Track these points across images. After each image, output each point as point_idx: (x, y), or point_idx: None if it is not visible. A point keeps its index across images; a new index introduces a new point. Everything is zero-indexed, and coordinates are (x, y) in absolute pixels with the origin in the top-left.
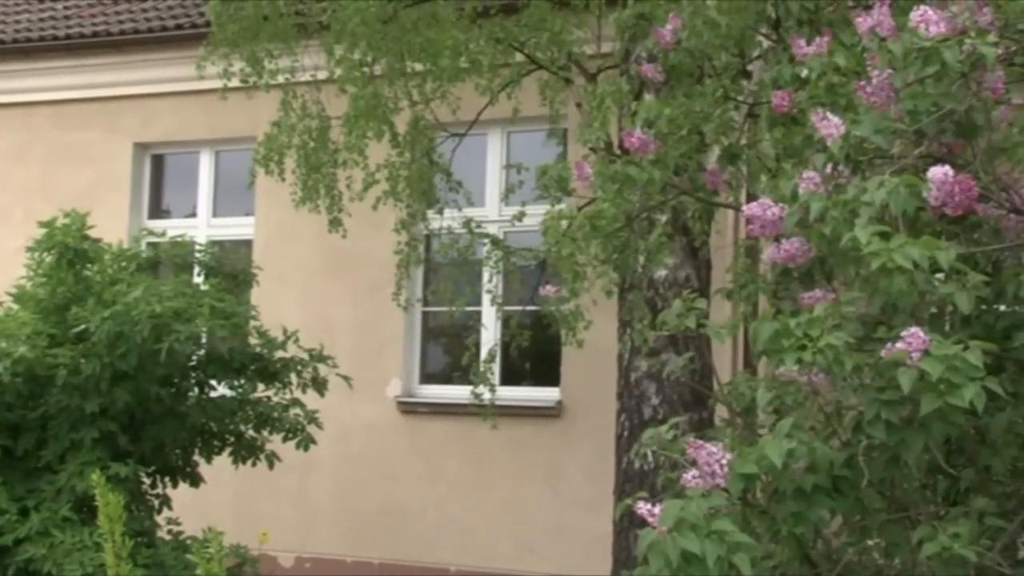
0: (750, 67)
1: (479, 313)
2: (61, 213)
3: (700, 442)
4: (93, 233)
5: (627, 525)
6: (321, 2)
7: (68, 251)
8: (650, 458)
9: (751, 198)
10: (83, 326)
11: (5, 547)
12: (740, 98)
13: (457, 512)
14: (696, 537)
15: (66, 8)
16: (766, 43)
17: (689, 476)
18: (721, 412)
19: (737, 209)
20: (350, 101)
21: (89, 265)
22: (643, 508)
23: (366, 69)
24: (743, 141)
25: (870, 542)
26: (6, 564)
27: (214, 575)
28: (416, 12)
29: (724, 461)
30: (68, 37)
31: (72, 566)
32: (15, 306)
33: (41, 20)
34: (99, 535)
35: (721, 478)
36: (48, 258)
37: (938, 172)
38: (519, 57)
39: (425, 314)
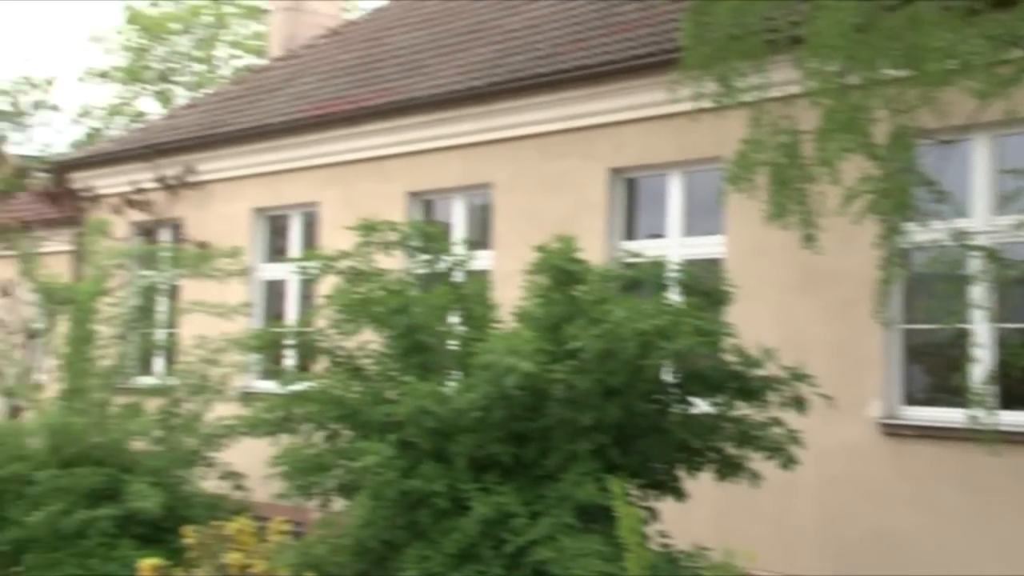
0: None
1: (967, 330)
2: (553, 237)
3: None
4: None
5: None
6: (790, 16)
7: (560, 273)
8: None
9: None
10: (575, 344)
11: (520, 548)
12: None
13: (953, 544)
14: None
15: (550, 47)
16: None
17: None
18: None
19: None
20: (823, 114)
21: (578, 286)
22: None
23: (841, 80)
24: None
25: None
26: (521, 563)
27: None
28: (897, 17)
29: None
30: (552, 73)
31: (578, 571)
32: (517, 324)
33: (528, 60)
34: (602, 543)
35: None
36: (542, 280)
37: None
38: (1016, 53)
39: (906, 332)
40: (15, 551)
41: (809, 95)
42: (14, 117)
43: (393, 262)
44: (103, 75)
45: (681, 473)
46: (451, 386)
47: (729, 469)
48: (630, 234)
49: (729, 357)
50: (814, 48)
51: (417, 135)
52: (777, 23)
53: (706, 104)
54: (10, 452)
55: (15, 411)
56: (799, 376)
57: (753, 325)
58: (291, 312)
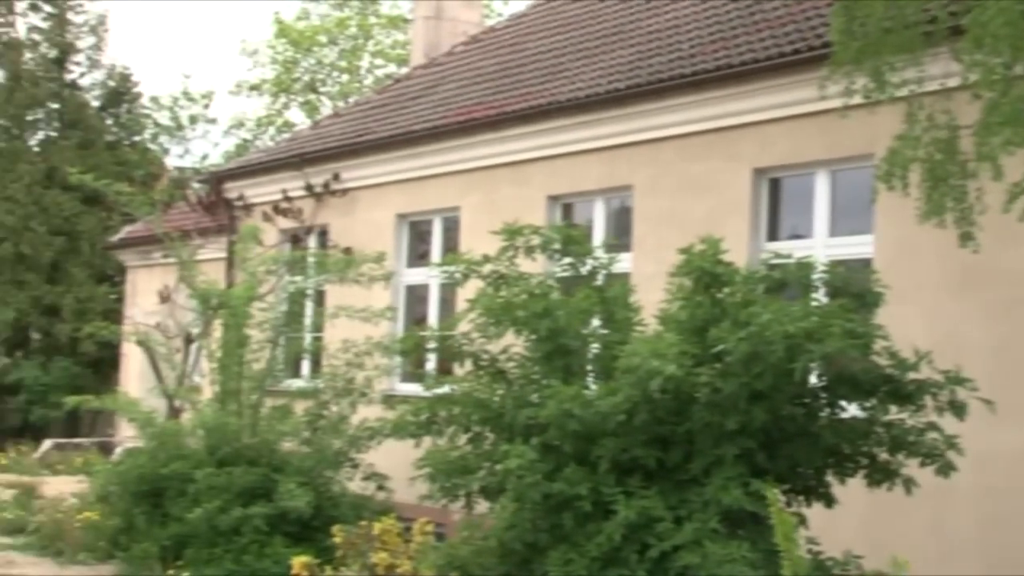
0: None
1: None
2: (698, 239)
3: None
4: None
5: None
6: (948, 7)
7: (704, 275)
8: None
9: None
10: (720, 347)
11: (664, 553)
12: None
13: None
14: None
15: (691, 47)
16: None
17: None
18: None
19: None
20: (986, 107)
21: (723, 288)
22: None
23: (1007, 72)
24: None
25: None
26: (666, 568)
27: None
28: None
29: None
30: (694, 74)
31: None
32: (660, 327)
33: (670, 61)
34: (748, 549)
35: None
36: (686, 282)
37: None
38: None
39: None
40: (177, 546)
41: (970, 88)
42: (174, 131)
43: (534, 266)
44: (254, 88)
45: (830, 479)
46: (594, 389)
47: (881, 475)
48: (773, 235)
49: (881, 360)
50: (977, 39)
51: (557, 139)
52: (935, 14)
53: (857, 100)
54: (171, 451)
55: (175, 412)
56: (957, 379)
57: (903, 327)
58: (432, 316)
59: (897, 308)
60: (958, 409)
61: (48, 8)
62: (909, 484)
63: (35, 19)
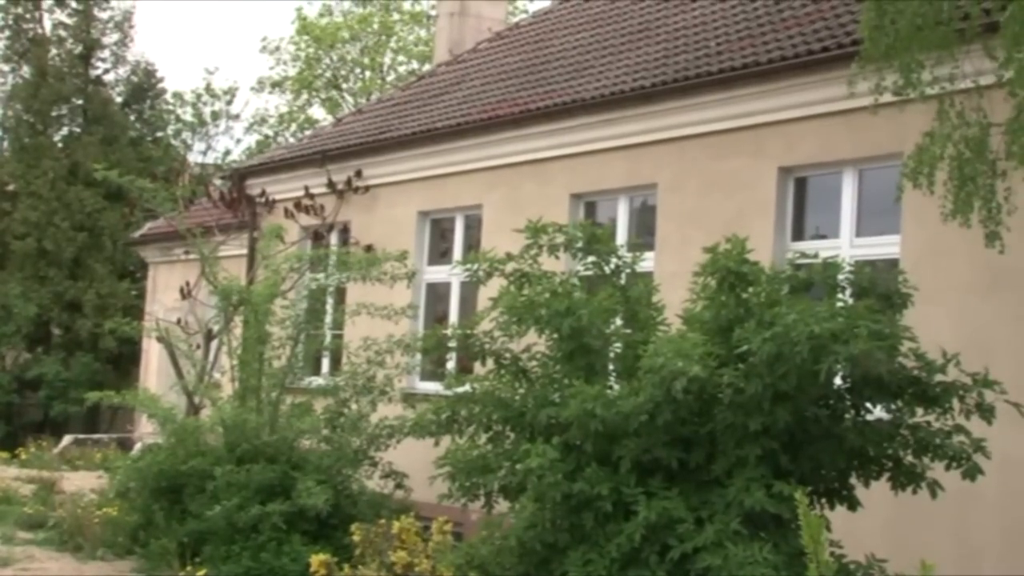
0: None
1: None
2: (723, 239)
3: None
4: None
5: None
6: (983, 3)
7: (729, 275)
8: None
9: None
10: (745, 347)
11: (685, 554)
12: None
13: None
14: None
15: (718, 44)
16: None
17: None
18: None
19: None
20: (1019, 105)
21: (748, 288)
22: None
23: None
24: None
25: None
26: (686, 570)
27: None
28: None
29: None
30: (720, 71)
31: None
32: (684, 327)
33: (696, 58)
34: (771, 551)
35: None
36: (711, 282)
37: None
38: None
39: None
40: (195, 543)
41: (1004, 86)
42: (197, 127)
43: (556, 264)
44: (277, 84)
45: (854, 481)
46: (616, 389)
47: (906, 478)
48: (799, 234)
49: (907, 361)
50: (1014, 35)
51: (581, 136)
52: (968, 11)
53: (886, 98)
54: (190, 448)
55: (195, 408)
56: (985, 382)
57: (931, 329)
58: (453, 314)
59: (924, 309)
60: (986, 412)
61: (74, 4)
62: (934, 487)
63: (61, 15)
